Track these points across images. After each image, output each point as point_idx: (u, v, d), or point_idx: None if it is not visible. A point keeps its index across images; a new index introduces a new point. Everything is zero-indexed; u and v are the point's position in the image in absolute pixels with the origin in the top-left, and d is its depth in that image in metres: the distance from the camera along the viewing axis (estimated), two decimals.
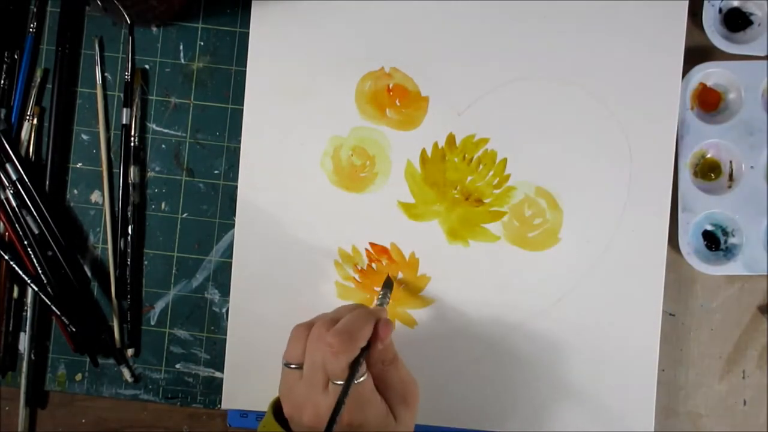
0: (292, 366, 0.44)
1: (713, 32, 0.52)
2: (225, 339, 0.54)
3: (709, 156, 0.54)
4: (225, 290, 0.54)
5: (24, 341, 0.55)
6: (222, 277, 0.55)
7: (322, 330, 0.42)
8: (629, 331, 0.53)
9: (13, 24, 0.54)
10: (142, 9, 0.52)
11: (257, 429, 0.46)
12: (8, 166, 0.53)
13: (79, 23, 0.55)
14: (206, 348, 0.55)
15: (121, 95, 0.55)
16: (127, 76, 0.54)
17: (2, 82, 0.54)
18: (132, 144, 0.54)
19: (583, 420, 0.53)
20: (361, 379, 0.41)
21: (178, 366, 0.55)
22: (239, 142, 0.54)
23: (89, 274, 0.55)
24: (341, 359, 0.41)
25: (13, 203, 0.53)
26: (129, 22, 0.52)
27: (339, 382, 0.41)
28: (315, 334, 0.43)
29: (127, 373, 0.55)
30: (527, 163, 0.53)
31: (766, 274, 0.53)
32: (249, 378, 0.54)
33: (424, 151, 0.54)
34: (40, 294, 0.52)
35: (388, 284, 0.52)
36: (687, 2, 0.52)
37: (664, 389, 0.54)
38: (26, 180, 0.53)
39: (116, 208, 0.54)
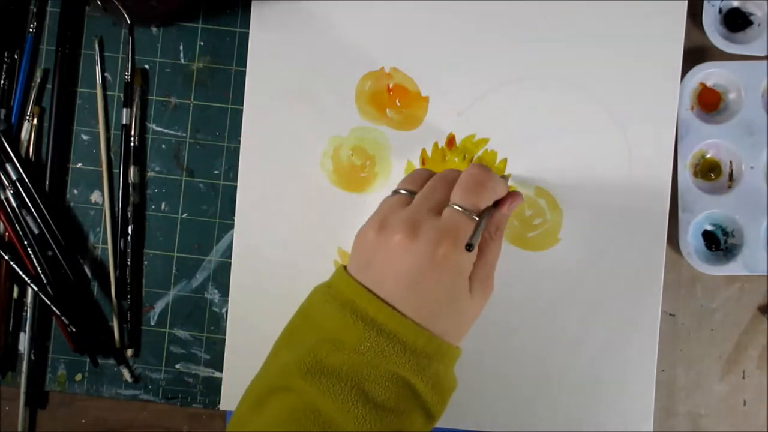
0: (403, 192, 0.43)
1: (713, 32, 0.52)
2: (225, 339, 0.54)
3: (709, 156, 0.54)
4: (225, 290, 0.54)
5: (24, 341, 0.55)
6: (222, 277, 0.55)
7: (454, 172, 0.43)
8: (629, 331, 0.53)
9: (13, 24, 0.54)
10: (142, 9, 0.52)
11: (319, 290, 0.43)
12: (8, 166, 0.53)
13: (79, 23, 0.55)
14: (206, 348, 0.55)
15: (121, 95, 0.55)
16: (127, 76, 0.54)
17: (2, 82, 0.54)
18: (132, 144, 0.54)
19: (582, 420, 0.53)
20: (475, 217, 0.40)
21: (178, 366, 0.55)
22: (239, 142, 0.54)
23: (89, 274, 0.55)
24: (482, 193, 0.41)
25: (13, 203, 0.53)
26: (129, 22, 0.52)
27: (457, 207, 0.40)
28: (446, 171, 0.43)
29: (127, 373, 0.55)
30: (527, 163, 0.53)
31: (766, 274, 0.53)
32: (248, 379, 0.54)
33: (424, 151, 0.54)
34: (40, 294, 0.52)
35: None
36: (686, 2, 0.52)
37: (663, 389, 0.54)
38: (26, 180, 0.53)
39: (116, 208, 0.54)
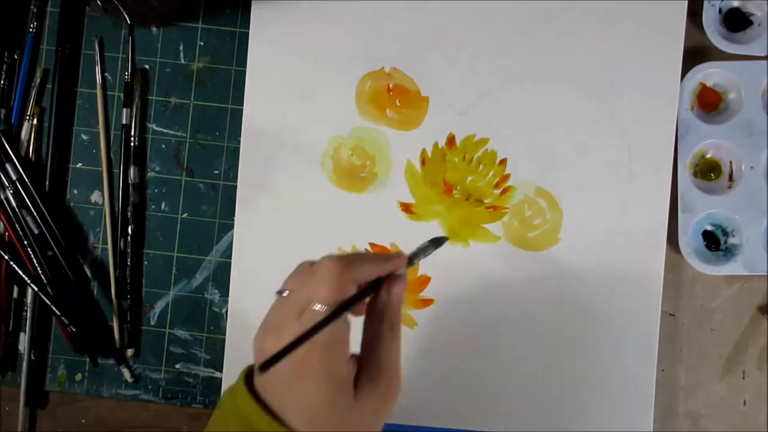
0: (284, 293, 0.38)
1: (713, 32, 0.52)
2: (225, 339, 0.54)
3: (709, 156, 0.54)
4: (225, 290, 0.54)
5: (24, 341, 0.55)
6: (222, 277, 0.55)
7: (325, 259, 0.37)
8: (629, 331, 0.53)
9: (13, 24, 0.54)
10: (142, 9, 0.52)
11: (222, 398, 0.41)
12: (8, 166, 0.53)
13: (79, 23, 0.55)
14: (206, 348, 0.55)
15: (121, 95, 0.55)
16: (127, 76, 0.54)
17: (2, 82, 0.54)
18: (132, 144, 0.54)
19: (583, 420, 0.53)
20: (340, 319, 0.36)
21: (178, 366, 0.55)
22: (239, 142, 0.54)
23: (89, 274, 0.55)
24: (328, 286, 0.36)
25: (13, 203, 0.53)
26: (129, 22, 0.52)
27: (317, 308, 0.36)
28: (317, 262, 0.38)
29: (127, 373, 0.55)
30: (527, 163, 0.53)
31: (766, 274, 0.53)
32: None
33: (424, 151, 0.54)
34: (40, 294, 0.52)
35: (438, 242, 0.43)
36: (686, 2, 0.52)
37: (663, 389, 0.54)
38: (26, 180, 0.53)
39: (116, 208, 0.54)
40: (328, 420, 0.36)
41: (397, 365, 0.39)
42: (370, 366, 0.38)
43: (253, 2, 0.54)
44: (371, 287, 0.38)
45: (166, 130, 0.55)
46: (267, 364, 0.34)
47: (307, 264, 0.39)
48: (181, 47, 0.55)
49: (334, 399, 0.36)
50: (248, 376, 0.39)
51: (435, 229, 0.53)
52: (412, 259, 0.41)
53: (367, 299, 0.39)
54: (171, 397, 0.55)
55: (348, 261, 0.37)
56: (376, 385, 0.37)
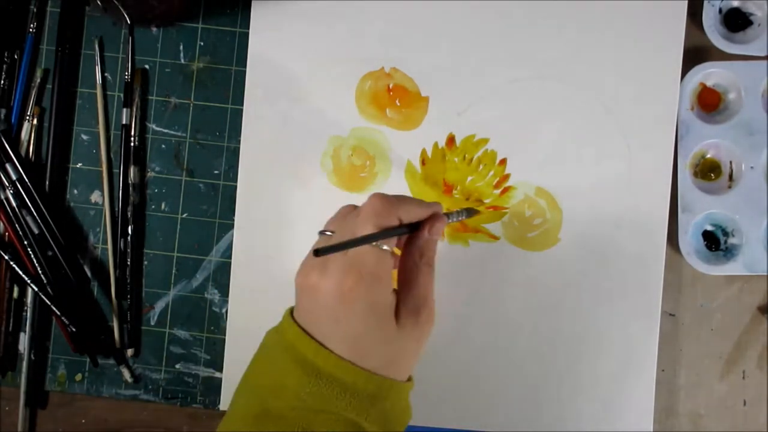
0: (327, 233, 0.41)
1: (713, 32, 0.52)
2: (225, 339, 0.54)
3: (709, 156, 0.54)
4: (225, 290, 0.54)
5: (24, 341, 0.55)
6: (222, 277, 0.55)
7: (373, 195, 0.40)
8: (629, 331, 0.53)
9: (13, 24, 0.54)
10: (142, 9, 0.52)
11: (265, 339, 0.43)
12: (8, 166, 0.53)
13: (79, 23, 0.55)
14: (206, 348, 0.55)
15: (121, 95, 0.55)
16: (127, 76, 0.54)
17: (2, 82, 0.54)
18: (132, 144, 0.54)
19: (583, 420, 0.53)
20: (385, 247, 0.38)
21: (177, 366, 0.55)
22: (239, 142, 0.54)
23: (89, 274, 0.55)
24: (373, 222, 0.38)
25: (13, 203, 0.53)
26: (129, 22, 0.52)
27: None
28: (363, 203, 0.40)
29: (127, 374, 0.55)
30: (527, 163, 0.53)
31: (766, 274, 0.53)
32: None
33: (424, 151, 0.54)
34: (40, 294, 0.52)
35: (470, 212, 0.48)
36: (686, 2, 0.52)
37: (664, 389, 0.54)
38: (26, 180, 0.53)
39: (116, 208, 0.54)
40: (373, 347, 0.38)
41: (432, 298, 0.41)
42: (408, 298, 0.40)
43: (253, 2, 0.54)
44: (413, 226, 0.41)
45: (166, 130, 0.55)
46: (324, 251, 0.36)
47: (350, 206, 0.43)
48: (181, 47, 0.55)
49: (380, 326, 0.38)
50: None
51: None
52: (447, 216, 0.45)
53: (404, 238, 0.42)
54: (171, 397, 0.55)
55: (394, 199, 0.40)
56: (417, 316, 0.40)
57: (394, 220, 0.40)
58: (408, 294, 0.40)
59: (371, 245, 0.38)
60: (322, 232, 0.42)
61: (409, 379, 0.41)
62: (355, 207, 0.42)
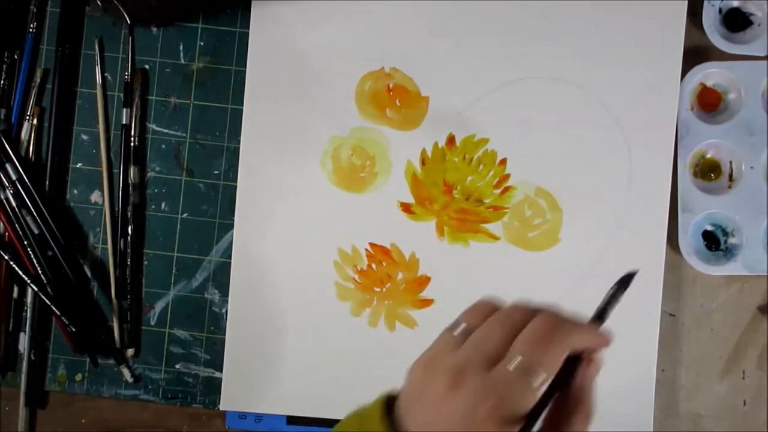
0: (459, 328, 0.36)
1: (713, 32, 0.52)
2: (225, 339, 0.54)
3: (709, 156, 0.54)
4: (225, 290, 0.54)
5: (24, 341, 0.55)
6: (222, 277, 0.55)
7: (523, 309, 0.35)
8: (628, 332, 0.53)
9: (13, 24, 0.54)
10: (142, 9, 0.52)
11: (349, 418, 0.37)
12: (8, 166, 0.53)
13: (79, 23, 0.55)
14: (206, 348, 0.55)
15: (121, 95, 0.55)
16: (127, 76, 0.54)
17: (2, 82, 0.54)
18: (132, 144, 0.54)
19: None
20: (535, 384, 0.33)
21: (177, 366, 0.55)
22: (239, 142, 0.54)
23: (89, 274, 0.55)
24: (549, 349, 0.33)
25: (13, 203, 0.53)
26: (129, 22, 0.52)
27: (513, 364, 0.33)
28: (512, 308, 0.36)
29: (127, 374, 0.55)
30: (527, 163, 0.53)
31: (766, 274, 0.53)
32: (248, 379, 0.54)
33: (424, 151, 0.54)
34: (40, 294, 0.52)
35: (625, 283, 0.39)
36: (686, 2, 0.52)
37: (663, 389, 0.54)
38: (26, 180, 0.53)
39: (116, 208, 0.54)
40: None
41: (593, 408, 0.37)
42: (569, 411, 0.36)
43: (253, 2, 0.54)
44: (571, 362, 0.35)
45: (166, 130, 0.55)
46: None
47: (488, 303, 0.37)
48: (181, 47, 0.55)
49: None
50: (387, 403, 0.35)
51: (435, 229, 0.53)
52: (605, 314, 0.39)
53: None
54: (171, 397, 0.55)
55: (564, 325, 0.35)
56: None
57: (562, 349, 0.34)
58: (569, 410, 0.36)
59: (519, 375, 0.33)
60: (456, 324, 0.36)
61: None
62: (495, 306, 0.37)
